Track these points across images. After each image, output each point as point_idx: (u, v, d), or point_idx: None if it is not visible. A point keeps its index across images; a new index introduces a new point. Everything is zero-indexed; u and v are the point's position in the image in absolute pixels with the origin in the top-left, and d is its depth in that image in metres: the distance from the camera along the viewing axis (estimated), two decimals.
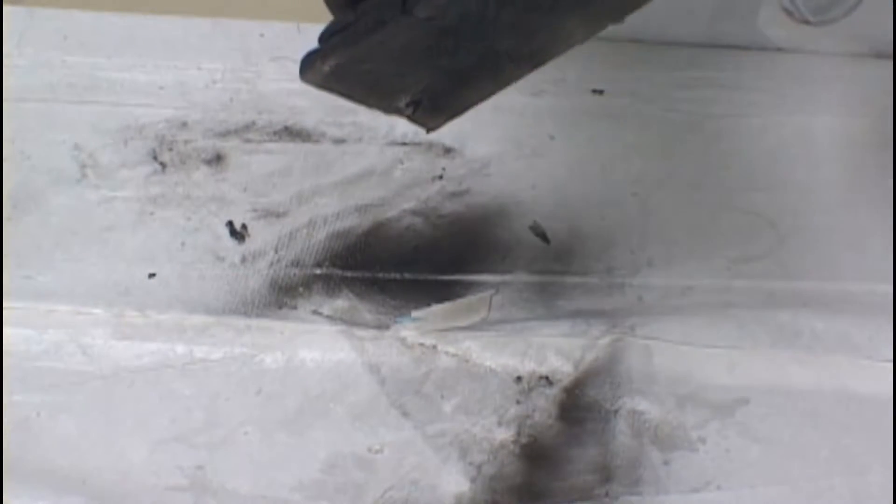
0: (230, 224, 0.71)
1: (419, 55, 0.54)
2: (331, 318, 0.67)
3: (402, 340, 0.67)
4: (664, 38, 0.81)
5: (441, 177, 0.73)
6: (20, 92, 0.76)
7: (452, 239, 0.71)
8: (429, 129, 0.60)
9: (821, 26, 0.61)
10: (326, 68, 0.52)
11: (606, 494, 0.62)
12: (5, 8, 0.79)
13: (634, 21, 0.80)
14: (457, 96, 0.60)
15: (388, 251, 0.70)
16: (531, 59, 0.60)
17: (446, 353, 0.66)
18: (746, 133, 0.76)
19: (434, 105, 0.60)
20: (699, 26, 0.80)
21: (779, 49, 0.81)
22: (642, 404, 0.65)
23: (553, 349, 0.66)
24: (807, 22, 0.62)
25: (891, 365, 0.65)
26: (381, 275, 0.69)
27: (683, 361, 0.66)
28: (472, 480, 0.62)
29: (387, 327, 0.67)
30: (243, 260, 0.70)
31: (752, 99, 0.78)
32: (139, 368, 0.66)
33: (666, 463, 0.63)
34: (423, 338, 0.67)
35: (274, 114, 0.75)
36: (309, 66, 0.52)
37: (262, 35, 0.77)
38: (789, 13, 0.62)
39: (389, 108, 0.59)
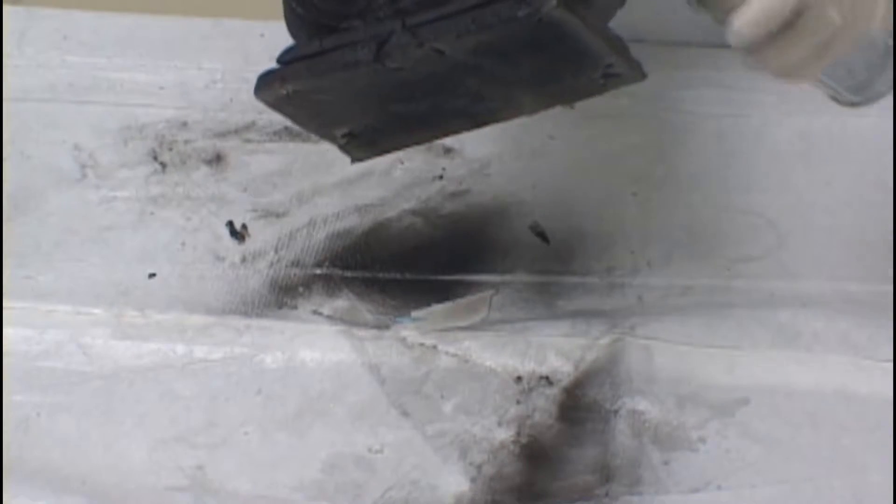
0: (230, 224, 0.71)
1: (375, 97, 0.54)
2: (331, 318, 0.67)
3: (402, 340, 0.67)
4: (664, 38, 0.81)
5: (441, 177, 0.73)
6: (20, 92, 0.76)
7: (452, 239, 0.71)
8: (354, 160, 0.61)
9: (867, 104, 0.62)
10: (284, 92, 0.52)
11: (606, 494, 0.62)
12: (5, 8, 0.79)
13: (634, 21, 0.80)
14: (394, 137, 0.61)
15: (388, 251, 0.70)
16: (476, 119, 0.61)
17: (446, 353, 0.66)
18: (746, 133, 0.76)
19: (369, 141, 0.60)
20: (699, 26, 0.80)
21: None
22: (642, 404, 0.65)
23: (553, 349, 0.66)
24: (853, 104, 0.63)
25: (891, 365, 0.65)
26: (381, 275, 0.69)
27: (683, 361, 0.66)
28: (472, 480, 0.62)
29: (387, 327, 0.67)
30: (243, 260, 0.70)
31: (752, 99, 0.77)
32: (139, 368, 0.66)
33: (666, 463, 0.63)
34: (423, 338, 0.67)
35: (274, 114, 0.75)
36: (266, 86, 0.52)
37: (262, 35, 0.77)
38: (835, 100, 0.63)
39: (325, 135, 0.59)
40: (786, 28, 0.50)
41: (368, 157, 0.61)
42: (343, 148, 0.59)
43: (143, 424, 0.64)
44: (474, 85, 0.54)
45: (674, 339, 0.67)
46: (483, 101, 0.57)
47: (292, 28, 0.54)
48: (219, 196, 0.73)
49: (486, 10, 0.48)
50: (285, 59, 0.53)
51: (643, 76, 0.56)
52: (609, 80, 0.56)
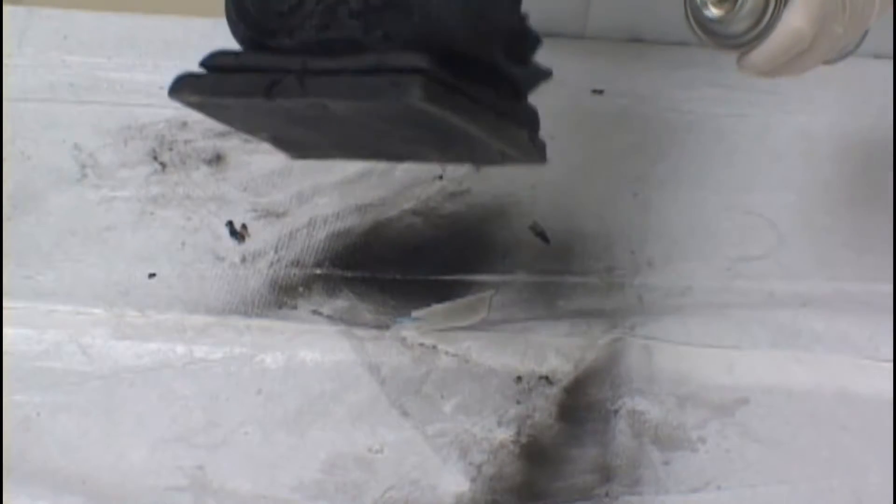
0: (230, 224, 0.71)
1: (282, 120, 0.55)
2: (331, 318, 0.67)
3: (402, 340, 0.67)
4: (664, 38, 0.81)
5: (441, 177, 0.73)
6: (20, 92, 0.76)
7: (452, 239, 0.71)
8: (292, 157, 0.63)
9: (838, 62, 0.62)
10: (190, 99, 0.54)
11: (606, 494, 0.62)
12: (5, 8, 0.79)
13: (634, 21, 0.81)
14: (317, 151, 0.62)
15: (388, 251, 0.70)
16: (387, 157, 0.63)
17: (446, 353, 0.66)
18: (746, 133, 0.76)
19: (295, 147, 0.62)
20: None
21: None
22: (642, 404, 0.65)
23: (553, 349, 0.66)
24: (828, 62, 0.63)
25: (891, 365, 0.65)
26: (380, 275, 0.69)
27: (683, 361, 0.66)
28: (472, 480, 0.62)
29: (387, 327, 0.67)
30: (243, 260, 0.70)
31: (752, 99, 0.77)
32: (139, 368, 0.66)
33: (666, 463, 0.63)
34: (423, 338, 0.67)
35: None
36: (176, 91, 0.54)
37: None
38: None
39: (252, 136, 0.61)
40: (800, 54, 0.50)
41: (303, 158, 0.63)
42: (275, 146, 0.61)
43: (143, 424, 0.64)
44: (374, 133, 0.56)
45: (674, 339, 0.67)
46: (392, 147, 0.58)
47: (231, 29, 0.55)
48: (219, 196, 0.73)
49: (364, 81, 0.50)
50: (205, 63, 0.55)
51: (542, 161, 0.56)
52: (506, 158, 0.56)
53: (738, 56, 0.52)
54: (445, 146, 0.57)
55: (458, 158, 0.62)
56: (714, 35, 0.53)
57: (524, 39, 0.57)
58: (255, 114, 0.55)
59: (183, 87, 0.54)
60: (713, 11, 0.53)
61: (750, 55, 0.51)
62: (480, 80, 0.52)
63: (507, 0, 0.55)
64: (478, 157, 0.58)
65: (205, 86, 0.53)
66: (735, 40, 0.52)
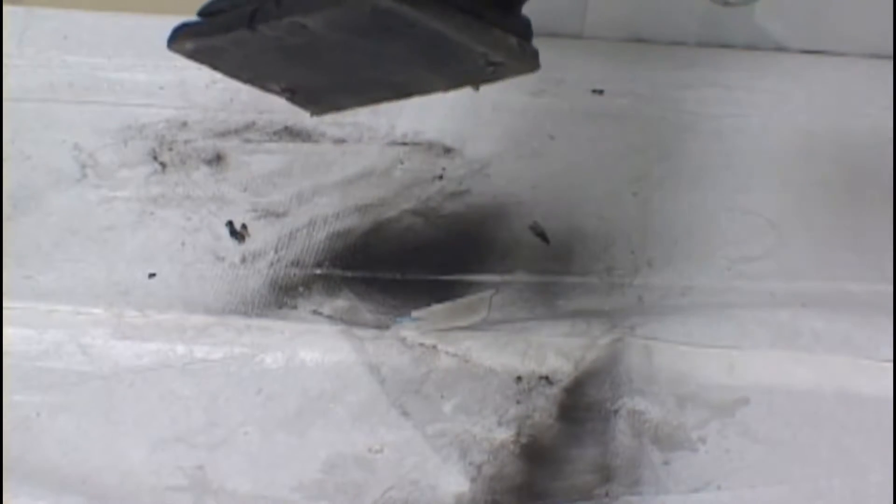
0: (230, 224, 0.71)
1: (281, 60, 0.55)
2: (331, 318, 0.67)
3: (402, 340, 0.67)
4: (664, 38, 0.81)
5: (441, 177, 0.73)
6: (20, 92, 0.76)
7: (452, 239, 0.71)
8: (312, 114, 0.62)
9: (743, 6, 0.61)
10: (188, 46, 0.54)
11: (606, 494, 0.62)
12: (5, 8, 0.79)
13: (634, 21, 0.81)
14: (331, 98, 0.61)
15: (388, 251, 0.70)
16: (395, 90, 0.61)
17: (446, 353, 0.66)
18: (746, 133, 0.76)
19: (310, 98, 0.61)
20: (699, 26, 0.80)
21: (779, 49, 0.81)
22: (642, 404, 0.65)
23: (553, 349, 0.66)
24: (728, 4, 0.62)
25: (891, 365, 0.65)
26: (381, 275, 0.69)
27: (683, 361, 0.66)
28: (472, 480, 0.62)
29: (387, 327, 0.67)
30: (243, 260, 0.70)
31: (752, 99, 0.78)
32: (139, 368, 0.66)
33: (666, 463, 0.63)
34: (423, 338, 0.67)
35: (274, 114, 0.75)
36: (175, 39, 0.54)
37: None
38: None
39: (264, 88, 0.60)
40: None
41: (323, 112, 0.62)
42: (291, 101, 0.60)
43: (143, 424, 0.64)
44: (366, 60, 0.55)
45: (674, 339, 0.67)
46: (390, 74, 0.57)
47: None
48: (219, 196, 0.73)
49: None
50: (201, 11, 0.55)
51: (534, 67, 0.55)
52: (497, 69, 0.55)
53: None
54: (437, 64, 0.55)
55: (455, 79, 0.59)
56: None
57: None
58: (251, 55, 0.54)
59: (179, 37, 0.54)
60: None
61: None
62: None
63: None
64: (471, 72, 0.56)
65: (197, 30, 0.54)
66: None
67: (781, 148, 0.75)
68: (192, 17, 0.54)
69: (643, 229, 0.72)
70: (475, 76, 0.58)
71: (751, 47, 0.81)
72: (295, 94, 0.60)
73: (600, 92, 0.78)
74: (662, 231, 0.72)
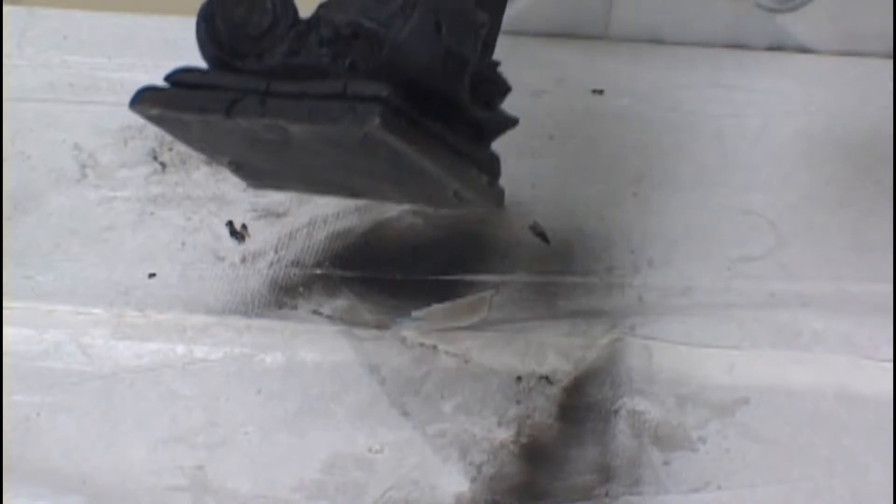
0: (230, 224, 0.71)
1: (245, 143, 0.55)
2: (331, 318, 0.67)
3: (402, 340, 0.67)
4: (665, 38, 0.81)
5: None
6: (20, 92, 0.76)
7: (452, 239, 0.71)
8: (249, 186, 0.63)
9: (789, 13, 0.61)
10: (153, 112, 0.54)
11: (606, 494, 0.62)
12: (5, 8, 0.79)
13: (634, 21, 0.81)
14: (278, 181, 0.62)
15: (388, 251, 0.70)
16: (349, 192, 0.63)
17: (446, 353, 0.66)
18: (746, 133, 0.76)
19: (255, 175, 0.62)
20: (699, 26, 0.80)
21: (779, 49, 0.81)
22: (642, 404, 0.65)
23: (553, 349, 0.66)
24: (774, 10, 0.62)
25: (891, 365, 0.65)
26: (380, 275, 0.69)
27: (683, 361, 0.66)
28: (472, 480, 0.62)
29: (387, 327, 0.67)
30: (243, 260, 0.70)
31: (752, 99, 0.78)
32: (139, 368, 0.66)
33: (666, 463, 0.63)
34: (423, 338, 0.67)
35: None
36: (138, 102, 0.54)
37: None
38: (759, 6, 0.62)
39: (212, 159, 0.61)
40: None
41: (261, 188, 0.63)
42: (233, 173, 0.61)
43: (143, 424, 0.64)
44: (332, 165, 0.56)
45: (674, 339, 0.67)
46: (351, 180, 0.58)
47: (200, 47, 0.56)
48: (219, 196, 0.73)
49: (324, 105, 0.50)
50: (170, 77, 0.55)
51: (499, 206, 0.56)
52: (462, 202, 0.56)
53: None
54: (403, 184, 0.57)
55: (415, 198, 0.62)
56: None
57: (493, 85, 0.57)
58: (215, 133, 0.55)
59: (144, 100, 0.54)
60: None
61: None
62: (443, 119, 0.52)
63: (478, 46, 0.54)
64: (434, 197, 0.58)
65: (166, 99, 0.53)
66: None
67: (781, 148, 0.75)
68: (159, 83, 0.53)
69: (643, 229, 0.72)
70: (437, 202, 0.60)
71: (751, 47, 0.81)
72: (241, 169, 0.61)
73: (600, 92, 0.78)
74: (662, 231, 0.72)
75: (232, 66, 0.55)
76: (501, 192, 0.56)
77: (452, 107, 0.53)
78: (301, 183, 0.62)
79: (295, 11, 0.56)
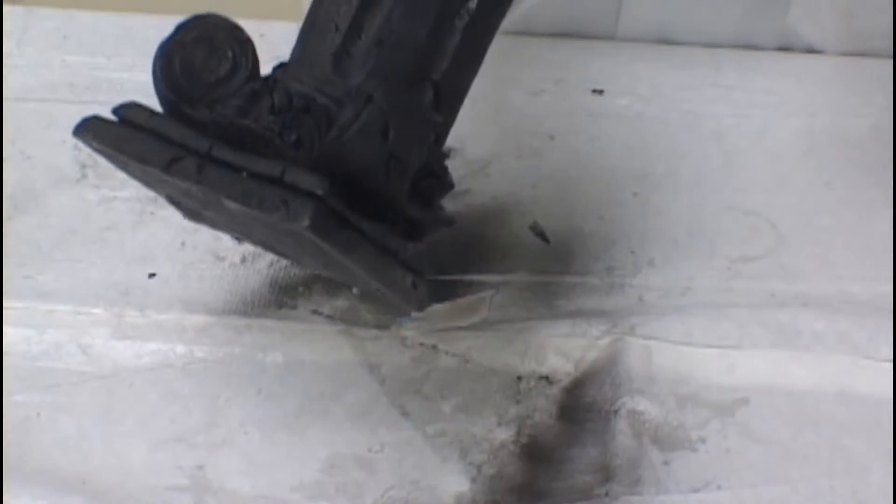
0: None
1: (175, 191, 0.56)
2: (331, 318, 0.67)
3: (402, 340, 0.67)
4: (664, 38, 0.81)
5: None
6: (20, 92, 0.76)
7: (452, 239, 0.71)
8: (186, 217, 0.63)
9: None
10: (94, 144, 0.54)
11: (606, 494, 0.62)
12: (5, 8, 0.79)
13: (644, 22, 0.81)
14: (213, 225, 0.63)
15: None
16: (276, 252, 0.63)
17: (446, 353, 0.66)
18: (746, 133, 0.76)
19: (191, 215, 0.63)
20: (700, 26, 0.80)
21: (779, 49, 0.81)
22: (642, 404, 0.65)
23: (553, 349, 0.66)
24: None
25: (891, 365, 0.65)
26: None
27: (683, 361, 0.66)
28: (472, 480, 0.62)
29: (387, 327, 0.67)
30: (243, 260, 0.70)
31: (752, 99, 0.78)
32: (139, 368, 0.66)
33: (666, 463, 0.63)
34: (423, 338, 0.67)
35: None
36: (81, 131, 0.54)
37: (261, 35, 0.76)
38: None
39: (153, 191, 0.62)
40: None
41: (196, 222, 0.63)
42: (171, 204, 0.62)
43: (143, 424, 0.64)
44: (262, 231, 0.56)
45: (674, 339, 0.67)
46: (280, 244, 0.59)
47: (154, 85, 0.56)
48: None
49: (258, 189, 0.50)
50: (118, 111, 0.55)
51: (419, 310, 0.56)
52: (384, 297, 0.57)
53: None
54: (329, 266, 0.57)
55: (340, 277, 0.63)
56: None
57: (437, 180, 0.57)
58: (153, 178, 0.55)
59: (88, 130, 0.54)
60: None
61: None
62: (378, 214, 0.52)
63: (426, 148, 0.55)
64: (359, 285, 0.59)
65: (109, 137, 0.54)
66: None
67: (781, 148, 0.75)
68: (105, 114, 0.54)
69: (643, 229, 0.72)
70: (362, 289, 0.62)
71: (751, 47, 0.81)
72: (178, 205, 0.61)
73: (600, 92, 0.78)
74: (662, 231, 0.72)
75: (181, 111, 0.55)
76: (425, 293, 0.56)
77: (389, 203, 0.53)
78: (234, 232, 0.63)
79: (255, 64, 0.56)
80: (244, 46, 0.56)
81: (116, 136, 0.54)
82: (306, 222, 0.48)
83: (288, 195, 0.49)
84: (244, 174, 0.51)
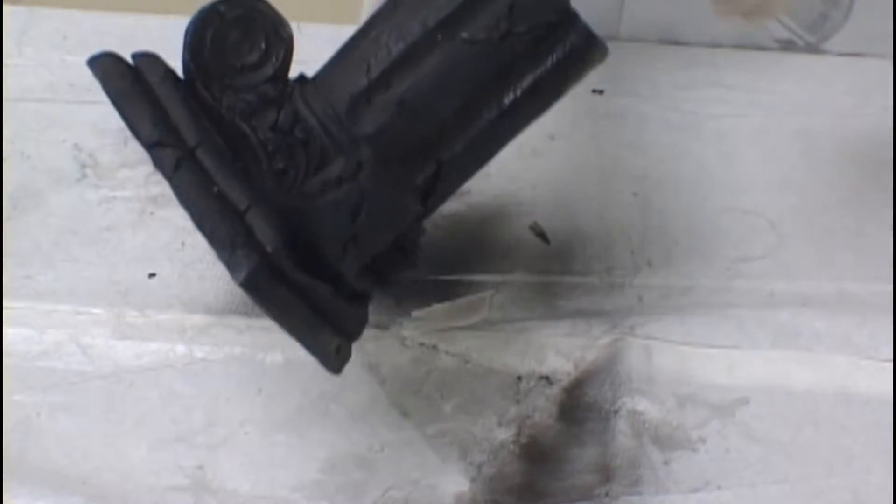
0: None
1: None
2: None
3: (402, 340, 0.67)
4: (664, 38, 0.81)
5: None
6: (20, 92, 0.76)
7: (452, 239, 0.71)
8: None
9: (824, 41, 0.61)
10: (99, 81, 0.54)
11: (606, 494, 0.62)
12: (5, 8, 0.79)
13: (646, 22, 0.81)
14: None
15: None
16: None
17: (446, 353, 0.66)
18: (746, 133, 0.76)
19: None
20: (699, 26, 0.80)
21: (779, 49, 0.81)
22: (642, 404, 0.65)
23: (553, 349, 0.66)
24: (811, 45, 0.62)
25: (891, 365, 0.65)
26: None
27: (683, 361, 0.66)
28: (472, 480, 0.62)
29: (387, 327, 0.67)
30: None
31: (752, 99, 0.78)
32: (139, 368, 0.66)
33: (666, 463, 0.63)
34: (423, 338, 0.67)
35: None
36: (96, 64, 0.54)
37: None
38: (793, 43, 0.62)
39: None
40: None
41: None
42: None
43: (143, 424, 0.64)
44: None
45: (674, 339, 0.67)
46: None
47: (183, 53, 0.54)
48: None
49: (214, 215, 0.50)
50: (135, 57, 0.55)
51: (335, 372, 0.55)
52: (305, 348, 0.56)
53: None
54: None
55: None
56: None
57: (400, 255, 0.57)
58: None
59: (99, 67, 0.53)
60: None
61: None
62: (325, 275, 0.52)
63: (394, 232, 0.55)
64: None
65: (114, 84, 0.53)
66: None
67: (781, 148, 0.75)
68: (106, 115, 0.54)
69: (643, 229, 0.72)
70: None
71: (751, 47, 0.81)
72: None
73: (600, 92, 0.78)
74: (662, 231, 0.72)
75: (193, 83, 0.54)
76: (346, 359, 0.55)
77: (336, 275, 0.53)
78: None
79: (284, 65, 0.55)
80: (280, 43, 0.55)
81: (121, 86, 0.53)
82: (241, 277, 0.48)
83: (238, 237, 0.49)
84: (215, 188, 0.50)
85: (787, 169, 0.75)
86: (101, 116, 0.75)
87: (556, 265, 0.70)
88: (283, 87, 0.55)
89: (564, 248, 0.71)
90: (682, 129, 0.76)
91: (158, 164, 0.51)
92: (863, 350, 0.66)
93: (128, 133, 0.74)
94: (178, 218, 0.71)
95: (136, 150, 0.74)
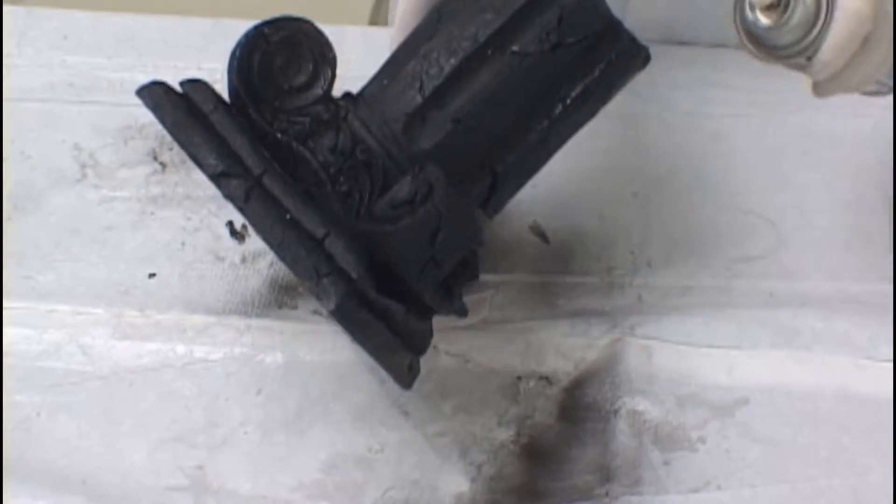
0: (230, 224, 0.71)
1: None
2: (331, 318, 0.67)
3: None
4: (664, 37, 0.81)
5: None
6: (20, 92, 0.76)
7: None
8: None
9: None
10: (151, 111, 0.53)
11: (606, 494, 0.62)
12: (5, 8, 0.79)
13: (649, 22, 0.80)
14: None
15: None
16: None
17: (446, 353, 0.66)
18: (746, 133, 0.76)
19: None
20: (699, 26, 0.80)
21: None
22: (642, 404, 0.65)
23: (553, 349, 0.66)
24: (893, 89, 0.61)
25: (891, 365, 0.65)
26: None
27: (683, 361, 0.66)
28: (472, 480, 0.62)
29: None
30: (243, 260, 0.70)
31: (752, 99, 0.77)
32: (139, 368, 0.66)
33: (666, 463, 0.63)
34: None
35: None
36: (145, 94, 0.53)
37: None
38: (877, 93, 0.62)
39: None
40: (865, 41, 0.50)
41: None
42: None
43: (143, 424, 0.64)
44: None
45: (674, 339, 0.67)
46: None
47: (228, 69, 0.54)
48: (219, 196, 0.72)
49: (294, 244, 0.50)
50: (184, 85, 0.54)
51: (406, 388, 0.56)
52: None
53: (808, 70, 0.51)
54: None
55: None
56: (764, 46, 0.53)
57: (465, 269, 0.57)
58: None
59: (150, 97, 0.52)
60: (762, 21, 0.52)
61: (819, 54, 0.50)
62: (399, 294, 0.52)
63: (467, 249, 0.55)
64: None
65: (168, 114, 0.52)
66: (786, 51, 0.52)
67: (781, 148, 0.75)
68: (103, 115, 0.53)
69: (643, 229, 0.72)
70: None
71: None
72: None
73: None
74: (662, 231, 0.72)
75: (245, 108, 0.53)
76: (416, 374, 0.56)
77: (412, 293, 0.53)
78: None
79: (331, 84, 0.55)
80: (326, 63, 0.55)
81: (175, 118, 0.52)
82: (332, 305, 0.48)
83: (322, 265, 0.49)
84: (287, 216, 0.50)
85: (787, 169, 0.74)
86: (101, 116, 0.75)
87: (556, 265, 0.70)
88: (336, 108, 0.55)
89: (564, 247, 0.71)
90: (683, 129, 0.76)
91: (229, 193, 0.51)
92: (863, 350, 0.66)
93: (128, 133, 0.75)
94: (178, 218, 0.71)
95: (136, 150, 0.74)
